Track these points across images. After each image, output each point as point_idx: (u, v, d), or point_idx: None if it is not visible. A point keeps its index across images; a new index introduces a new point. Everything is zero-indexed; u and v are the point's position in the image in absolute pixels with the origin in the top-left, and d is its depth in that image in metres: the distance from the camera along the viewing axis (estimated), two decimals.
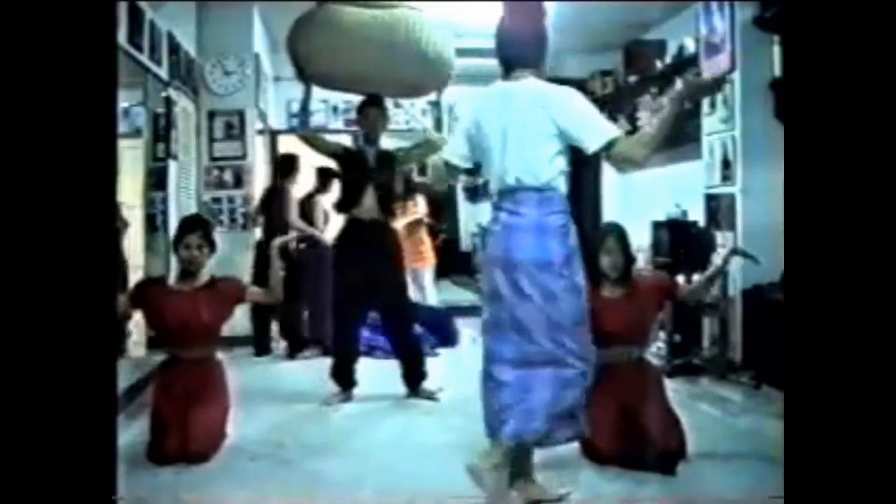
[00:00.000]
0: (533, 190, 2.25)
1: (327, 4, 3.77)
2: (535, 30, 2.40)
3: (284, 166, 5.61)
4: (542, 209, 2.25)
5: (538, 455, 2.87)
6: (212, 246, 3.14)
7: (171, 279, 3.22)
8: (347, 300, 3.85)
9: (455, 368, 4.76)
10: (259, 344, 5.26)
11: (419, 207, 6.41)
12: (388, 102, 7.08)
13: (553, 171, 2.26)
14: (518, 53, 2.36)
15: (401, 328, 3.96)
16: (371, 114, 3.92)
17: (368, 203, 3.81)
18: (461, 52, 6.74)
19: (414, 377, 3.91)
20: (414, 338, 4.06)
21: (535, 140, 2.23)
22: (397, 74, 3.79)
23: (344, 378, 3.86)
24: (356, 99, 7.11)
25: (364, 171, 3.84)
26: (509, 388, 2.28)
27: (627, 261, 2.96)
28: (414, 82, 3.97)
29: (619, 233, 2.98)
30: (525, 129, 2.24)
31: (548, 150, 2.24)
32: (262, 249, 4.99)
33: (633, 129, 6.03)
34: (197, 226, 3.17)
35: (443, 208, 7.28)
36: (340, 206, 3.94)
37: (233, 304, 3.18)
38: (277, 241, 3.42)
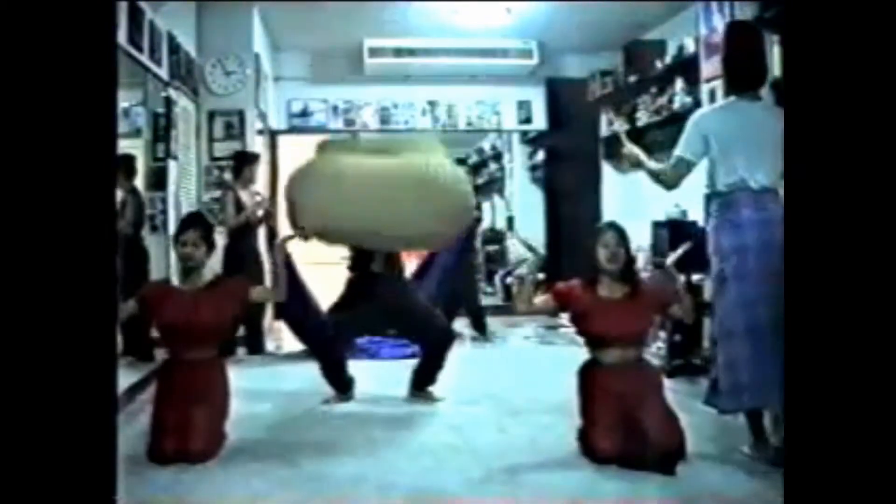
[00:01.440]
0: (774, 192, 2.72)
1: (327, 154, 3.45)
2: (761, 55, 2.98)
3: (234, 165, 5.23)
4: (781, 206, 2.65)
5: (538, 455, 2.88)
6: (210, 244, 3.14)
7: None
8: (351, 323, 3.83)
9: (456, 368, 4.76)
10: (250, 343, 5.19)
11: None
12: (387, 102, 7.22)
13: None
14: (749, 76, 2.88)
15: (428, 341, 3.93)
16: None
17: (378, 264, 3.76)
18: (461, 52, 6.81)
19: (425, 381, 3.90)
20: (443, 346, 3.95)
21: (776, 151, 2.50)
22: (410, 230, 3.34)
23: (339, 384, 3.85)
24: (356, 99, 7.20)
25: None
26: (753, 360, 2.70)
27: (627, 259, 2.96)
28: (429, 236, 3.46)
29: (617, 230, 2.99)
30: (769, 141, 2.63)
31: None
32: (228, 252, 4.92)
33: (633, 129, 6.03)
34: (195, 223, 3.16)
35: None
36: (352, 268, 3.89)
37: (237, 303, 3.18)
38: (281, 239, 3.39)
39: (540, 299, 3.09)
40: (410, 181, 3.31)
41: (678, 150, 2.89)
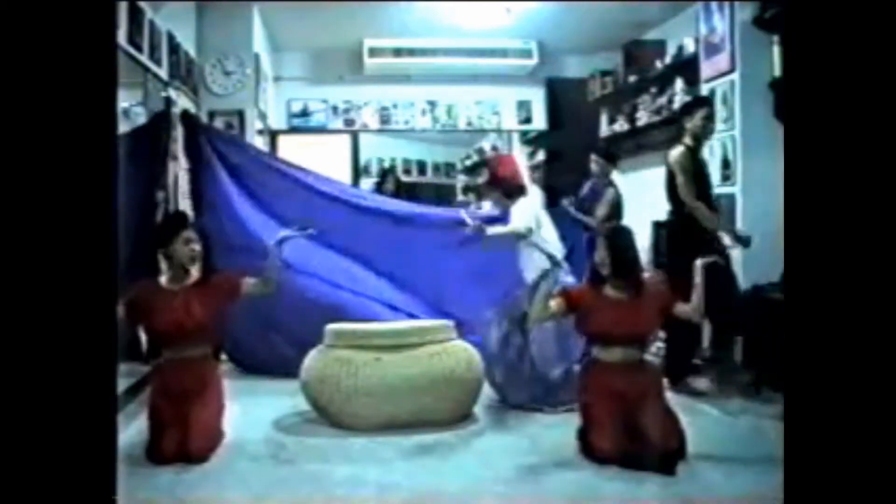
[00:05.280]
0: None
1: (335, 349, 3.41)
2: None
3: None
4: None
5: (538, 455, 2.88)
6: (203, 238, 3.12)
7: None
8: None
9: None
10: None
11: None
12: (387, 102, 7.21)
13: None
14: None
15: None
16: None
17: None
18: (461, 52, 6.80)
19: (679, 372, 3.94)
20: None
21: None
22: (426, 416, 3.30)
23: None
24: (356, 99, 7.20)
25: None
26: None
27: (634, 261, 2.96)
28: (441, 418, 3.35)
29: (626, 233, 3.00)
30: None
31: None
32: None
33: (633, 129, 6.03)
34: (185, 220, 3.20)
35: None
36: None
37: (228, 297, 3.15)
38: (280, 234, 3.33)
39: (552, 303, 3.01)
40: (419, 384, 3.28)
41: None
